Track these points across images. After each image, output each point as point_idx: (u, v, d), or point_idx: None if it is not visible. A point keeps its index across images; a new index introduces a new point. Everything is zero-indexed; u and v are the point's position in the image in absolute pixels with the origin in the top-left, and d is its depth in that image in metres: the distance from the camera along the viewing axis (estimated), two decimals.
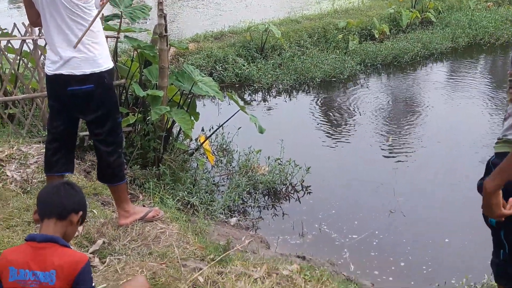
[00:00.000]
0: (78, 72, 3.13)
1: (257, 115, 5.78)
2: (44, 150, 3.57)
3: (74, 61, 3.12)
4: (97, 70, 3.17)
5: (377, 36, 11.53)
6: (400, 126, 7.55)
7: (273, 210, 5.37)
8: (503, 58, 11.48)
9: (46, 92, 3.78)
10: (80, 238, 3.34)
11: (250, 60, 9.94)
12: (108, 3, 3.45)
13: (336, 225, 5.06)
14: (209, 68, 9.51)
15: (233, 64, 9.60)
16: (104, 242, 3.34)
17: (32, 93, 5.26)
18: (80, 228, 3.36)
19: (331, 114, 8.17)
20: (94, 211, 3.74)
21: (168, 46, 5.11)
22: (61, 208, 2.15)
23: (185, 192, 4.97)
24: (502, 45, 11.91)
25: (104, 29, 4.12)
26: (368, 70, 10.26)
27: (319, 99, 8.84)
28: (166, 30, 4.98)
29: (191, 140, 5.93)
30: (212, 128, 6.11)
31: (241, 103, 5.76)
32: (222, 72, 9.48)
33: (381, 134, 7.23)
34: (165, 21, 4.96)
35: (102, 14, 4.93)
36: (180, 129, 5.37)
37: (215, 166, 6.03)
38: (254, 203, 5.39)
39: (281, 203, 5.50)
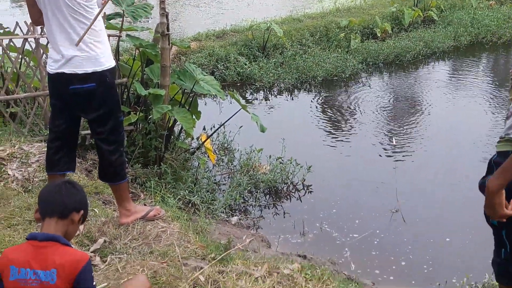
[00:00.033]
0: (80, 70, 3.13)
1: (258, 114, 5.78)
2: (45, 149, 3.58)
3: (76, 60, 3.12)
4: (99, 68, 3.17)
5: (379, 35, 11.51)
6: (401, 125, 7.54)
7: (274, 209, 5.38)
8: (505, 57, 11.48)
9: (48, 91, 3.79)
10: (81, 237, 3.35)
11: (252, 59, 9.94)
12: (110, 1, 3.45)
13: (337, 224, 5.06)
14: (211, 66, 9.51)
15: (235, 63, 9.60)
16: (105, 241, 3.34)
17: (34, 92, 5.27)
18: (81, 227, 3.36)
19: (332, 113, 8.17)
20: (95, 210, 3.74)
21: (170, 44, 5.11)
22: (62, 207, 2.16)
23: (186, 191, 4.97)
24: (504, 43, 11.90)
25: (106, 28, 4.12)
26: (370, 69, 10.25)
27: (321, 98, 8.83)
28: (168, 29, 4.98)
29: (192, 139, 5.93)
30: (214, 127, 6.11)
31: (243, 102, 5.75)
32: (223, 71, 9.48)
33: (383, 133, 7.23)
34: (167, 19, 4.96)
35: (104, 13, 4.93)
36: (182, 128, 5.37)
37: (217, 165, 6.03)
38: (255, 202, 5.40)
39: (282, 202, 5.50)
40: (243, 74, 9.44)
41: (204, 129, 6.24)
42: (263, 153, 6.01)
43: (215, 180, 5.68)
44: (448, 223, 5.06)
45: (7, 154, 4.49)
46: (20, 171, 4.25)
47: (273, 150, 6.09)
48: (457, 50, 11.55)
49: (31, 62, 5.50)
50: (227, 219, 4.98)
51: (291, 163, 5.82)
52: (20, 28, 5.67)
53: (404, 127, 7.44)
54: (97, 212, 3.72)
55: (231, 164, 6.08)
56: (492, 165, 2.32)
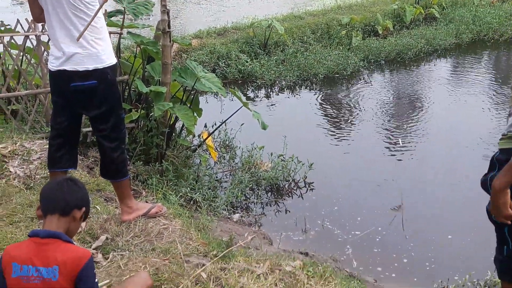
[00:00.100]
0: (81, 68, 3.12)
1: (260, 111, 5.78)
2: (47, 146, 3.57)
3: (77, 57, 3.11)
4: (100, 66, 3.16)
5: (380, 32, 11.50)
6: (403, 122, 7.54)
7: (276, 207, 5.38)
8: (507, 54, 11.46)
9: (49, 88, 3.78)
10: (83, 234, 3.35)
11: (253, 56, 9.93)
12: None
13: (339, 222, 5.06)
14: (212, 64, 9.50)
15: (236, 60, 9.59)
16: (107, 238, 3.34)
17: (35, 89, 5.27)
18: (83, 224, 3.36)
19: (334, 110, 8.16)
20: (97, 207, 3.74)
21: (171, 42, 5.10)
22: (64, 204, 2.15)
23: (188, 188, 4.97)
24: (506, 41, 11.89)
25: (107, 25, 4.11)
26: (371, 66, 10.24)
27: (322, 96, 8.83)
28: (169, 26, 4.97)
29: (194, 136, 5.93)
30: (215, 124, 6.11)
31: (244, 99, 5.74)
32: (225, 68, 9.48)
33: (385, 131, 7.22)
34: (168, 17, 4.95)
35: (105, 10, 4.93)
36: (183, 125, 5.37)
37: (218, 162, 6.03)
38: (257, 199, 5.39)
39: (284, 199, 5.50)
40: (244, 72, 9.43)
41: (205, 126, 6.24)
42: (265, 151, 6.01)
43: (216, 177, 5.68)
44: (450, 221, 5.05)
45: (9, 151, 4.49)
46: (21, 168, 4.25)
47: (275, 147, 6.08)
48: (458, 47, 11.53)
49: (32, 59, 5.49)
50: (229, 216, 4.98)
51: (292, 160, 5.82)
52: (21, 25, 5.66)
53: (406, 125, 7.43)
54: (99, 209, 3.72)
55: (233, 162, 6.08)
56: (495, 162, 2.31)
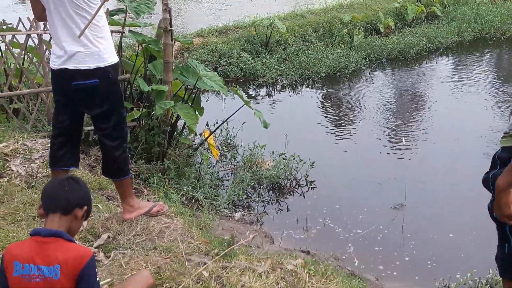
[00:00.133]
0: (83, 66, 3.13)
1: (261, 110, 5.77)
2: (49, 145, 3.58)
3: (79, 56, 3.12)
4: (102, 64, 3.17)
5: (382, 31, 11.48)
6: (405, 121, 7.53)
7: (278, 205, 5.38)
8: (509, 52, 11.44)
9: (51, 87, 3.79)
10: (85, 233, 3.35)
11: (255, 55, 9.93)
12: None
13: (340, 220, 5.06)
14: (214, 62, 9.50)
15: (237, 58, 9.59)
16: (109, 237, 3.35)
17: (37, 88, 5.27)
18: (84, 223, 3.37)
19: (335, 109, 8.16)
20: (99, 205, 3.74)
21: (173, 40, 5.10)
22: (65, 203, 2.16)
23: (190, 187, 4.98)
24: (508, 39, 11.86)
25: (109, 23, 4.11)
26: (373, 65, 10.23)
27: (324, 94, 8.82)
28: (171, 25, 4.97)
29: (195, 135, 5.93)
30: (217, 123, 6.11)
31: (246, 98, 5.75)
32: (226, 66, 9.47)
33: (386, 129, 7.21)
34: (170, 15, 4.95)
35: (107, 8, 4.94)
36: (185, 124, 5.37)
37: (220, 161, 6.03)
38: (258, 198, 5.39)
39: (286, 198, 5.50)
40: (246, 70, 9.43)
41: (207, 125, 6.24)
42: (266, 149, 6.01)
43: (218, 176, 5.68)
44: (451, 219, 5.04)
45: (11, 150, 4.49)
46: (23, 167, 4.26)
47: (276, 146, 6.08)
48: (460, 45, 11.51)
49: (34, 58, 5.50)
50: (230, 215, 4.98)
51: (294, 159, 5.81)
52: (23, 24, 5.67)
53: (408, 123, 7.43)
54: (101, 207, 3.73)
55: (234, 160, 6.08)
56: (496, 160, 2.31)
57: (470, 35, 11.71)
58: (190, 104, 5.31)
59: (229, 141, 6.47)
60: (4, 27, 5.83)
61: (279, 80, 9.31)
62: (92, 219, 3.51)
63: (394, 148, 6.64)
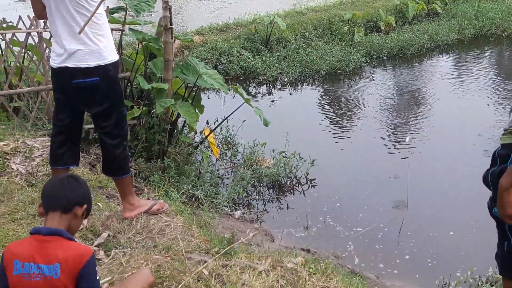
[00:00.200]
0: (83, 64, 3.12)
1: (262, 108, 5.77)
2: (49, 143, 3.58)
3: (79, 54, 3.11)
4: (102, 62, 3.16)
5: (383, 28, 11.47)
6: (406, 119, 7.53)
7: (278, 203, 5.38)
8: (509, 50, 11.43)
9: (51, 85, 3.79)
10: (85, 231, 3.35)
11: (255, 53, 9.92)
12: None
13: (341, 218, 5.06)
14: (214, 60, 9.50)
15: (238, 56, 9.58)
16: (109, 235, 3.35)
17: (37, 86, 5.27)
18: (85, 221, 3.37)
19: (336, 106, 8.15)
20: (99, 204, 3.74)
21: (173, 38, 5.09)
22: (65, 201, 2.15)
23: (190, 185, 4.97)
24: (508, 36, 11.85)
25: (109, 21, 4.10)
26: (373, 62, 10.23)
27: (324, 92, 8.81)
28: (171, 23, 4.96)
29: (195, 133, 5.92)
30: (217, 121, 6.10)
31: (246, 96, 5.74)
32: (227, 64, 9.47)
33: (387, 127, 7.21)
34: (170, 13, 4.94)
35: (107, 7, 4.93)
36: (185, 122, 5.37)
37: (220, 159, 6.03)
38: (258, 196, 5.39)
39: (286, 196, 5.50)
40: (246, 68, 9.42)
41: (207, 123, 6.24)
42: (267, 147, 6.00)
43: (218, 174, 5.68)
44: (452, 217, 5.04)
45: (11, 148, 4.49)
46: (23, 165, 4.26)
47: (277, 144, 6.08)
48: (461, 43, 11.50)
49: (34, 56, 5.49)
50: (231, 213, 4.98)
51: (294, 157, 5.81)
52: (23, 22, 5.66)
53: (408, 121, 7.42)
54: (101, 206, 3.73)
55: (235, 158, 6.08)
56: (496, 158, 2.30)
57: (470, 32, 11.70)
58: (191, 102, 5.31)
59: (229, 139, 6.47)
60: (4, 25, 5.82)
61: (279, 78, 9.31)
62: (92, 217, 3.51)
63: (394, 146, 6.64)
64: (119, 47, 5.35)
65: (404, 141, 6.73)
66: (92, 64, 3.14)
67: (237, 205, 5.22)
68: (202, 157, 5.62)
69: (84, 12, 3.08)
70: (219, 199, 5.00)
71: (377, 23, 11.63)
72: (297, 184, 5.68)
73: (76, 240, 2.20)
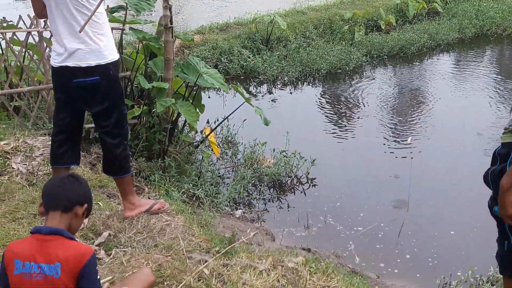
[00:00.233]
0: (83, 64, 3.12)
1: (262, 107, 5.77)
2: (49, 143, 3.57)
3: (79, 53, 3.11)
4: (102, 62, 3.16)
5: (383, 27, 11.47)
6: (407, 118, 7.52)
7: (278, 203, 5.37)
8: (510, 49, 11.42)
9: (51, 84, 3.78)
10: (85, 231, 3.35)
11: (256, 52, 9.92)
12: None
13: (341, 218, 5.06)
14: (214, 60, 9.49)
15: (238, 56, 9.58)
16: (109, 235, 3.35)
17: (38, 85, 5.27)
18: (85, 221, 3.37)
19: (336, 106, 8.15)
20: (99, 203, 3.74)
21: (174, 38, 5.09)
22: (66, 201, 2.15)
23: (190, 184, 4.97)
24: (509, 35, 11.84)
25: (110, 21, 4.10)
26: (374, 62, 10.22)
27: (325, 91, 8.81)
28: (171, 22, 4.96)
29: (196, 132, 5.92)
30: (218, 120, 6.10)
31: (247, 95, 5.75)
32: (227, 64, 9.47)
33: (387, 127, 7.21)
34: (171, 12, 4.94)
35: (108, 6, 4.92)
36: (186, 121, 5.37)
37: (220, 159, 6.03)
38: (259, 195, 5.39)
39: (286, 195, 5.50)
40: (247, 67, 9.42)
41: (207, 122, 6.24)
42: (267, 147, 6.00)
43: (219, 173, 5.68)
44: (453, 217, 5.04)
45: (11, 147, 4.49)
46: (24, 164, 4.25)
47: (277, 143, 6.08)
48: (461, 42, 11.50)
49: (35, 55, 5.49)
50: (231, 212, 4.98)
51: (295, 156, 5.81)
52: (23, 21, 5.66)
53: (409, 121, 7.42)
54: (102, 205, 3.72)
55: (235, 158, 6.08)
56: (497, 157, 2.30)
57: (471, 31, 11.69)
58: (191, 101, 5.31)
59: (230, 138, 6.47)
60: (5, 24, 5.82)
61: (279, 77, 9.30)
62: (93, 217, 3.51)
63: (395, 145, 6.63)
64: (120, 46, 5.35)
65: (406, 141, 6.72)
66: (93, 63, 3.14)
67: (237, 204, 5.22)
68: (202, 157, 5.62)
69: (85, 11, 3.08)
70: (219, 199, 5.00)
71: (377, 22, 11.63)
72: (297, 184, 5.68)
73: (76, 239, 2.20)
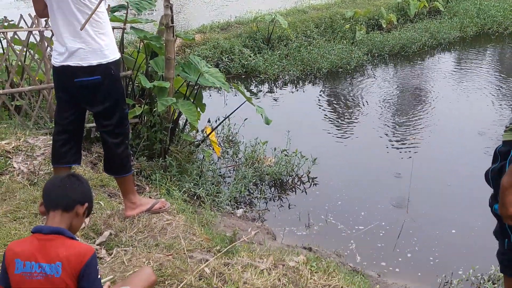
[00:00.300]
0: (85, 63, 3.12)
1: (263, 106, 5.76)
2: (50, 142, 3.58)
3: (80, 52, 3.11)
4: (104, 61, 3.16)
5: (384, 26, 11.46)
6: (408, 117, 7.51)
7: (279, 202, 5.37)
8: (511, 47, 11.39)
9: (52, 84, 3.78)
10: (87, 230, 3.36)
11: (257, 51, 9.91)
12: None
13: (343, 217, 5.05)
14: (216, 59, 9.49)
15: (239, 55, 9.57)
16: (111, 234, 3.35)
17: (39, 84, 5.27)
18: (86, 220, 3.37)
19: (337, 104, 8.14)
20: (100, 202, 3.75)
21: (175, 37, 5.09)
22: (66, 200, 2.15)
23: (192, 183, 4.97)
24: (510, 34, 11.84)
25: (111, 20, 4.11)
26: (375, 60, 10.21)
27: (326, 90, 8.81)
28: (172, 21, 4.96)
29: (197, 131, 5.93)
30: (219, 119, 6.10)
31: (248, 94, 5.74)
32: (228, 63, 9.46)
33: (389, 125, 7.20)
34: (172, 11, 4.94)
35: (109, 5, 4.92)
36: (187, 120, 5.37)
37: (222, 158, 6.03)
38: (260, 194, 5.39)
39: (287, 194, 5.50)
40: (248, 66, 9.42)
41: (209, 121, 6.24)
42: (268, 146, 6.01)
43: (220, 172, 5.68)
44: (453, 215, 5.04)
45: (13, 147, 4.49)
46: (25, 164, 4.26)
47: (278, 142, 6.08)
48: (463, 41, 11.48)
49: (36, 55, 5.49)
50: (232, 211, 4.98)
51: (296, 155, 5.81)
52: (24, 21, 5.65)
53: (410, 120, 7.41)
54: (103, 205, 3.73)
55: (236, 157, 6.08)
56: (497, 155, 2.30)
57: (472, 30, 11.68)
58: (192, 100, 5.31)
59: (231, 137, 6.47)
60: (6, 23, 5.82)
61: (281, 76, 9.30)
62: (94, 216, 3.51)
63: (396, 144, 6.63)
64: (121, 46, 5.35)
65: (408, 140, 6.72)
66: (94, 62, 3.14)
67: (238, 203, 5.23)
68: (203, 156, 5.62)
69: (86, 10, 3.08)
70: (220, 198, 5.00)
71: (378, 21, 11.62)
72: (298, 183, 5.68)
73: (77, 238, 2.20)
